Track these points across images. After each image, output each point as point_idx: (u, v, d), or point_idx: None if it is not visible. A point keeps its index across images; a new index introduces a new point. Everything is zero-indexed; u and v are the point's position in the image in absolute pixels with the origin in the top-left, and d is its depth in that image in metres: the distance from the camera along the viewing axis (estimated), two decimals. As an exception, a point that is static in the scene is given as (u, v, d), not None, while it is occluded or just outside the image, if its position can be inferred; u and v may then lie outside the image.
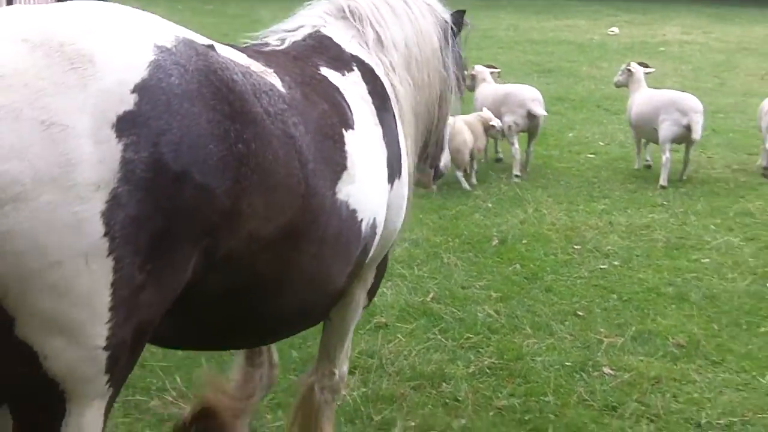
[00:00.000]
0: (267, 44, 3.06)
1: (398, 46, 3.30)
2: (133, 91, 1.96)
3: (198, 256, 2.15)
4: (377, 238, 2.95)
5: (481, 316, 5.49)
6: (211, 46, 2.33)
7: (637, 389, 4.63)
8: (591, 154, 10.21)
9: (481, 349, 5.09)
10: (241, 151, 2.18)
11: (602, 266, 6.54)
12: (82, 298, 1.90)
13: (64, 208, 1.84)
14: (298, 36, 3.11)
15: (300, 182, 2.42)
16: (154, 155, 1.95)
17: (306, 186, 2.45)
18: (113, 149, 1.89)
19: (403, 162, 3.16)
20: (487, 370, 4.82)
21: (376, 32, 3.25)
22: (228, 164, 2.14)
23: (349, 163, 2.68)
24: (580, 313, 5.65)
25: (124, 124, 1.92)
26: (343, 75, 2.99)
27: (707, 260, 6.70)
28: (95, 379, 2.02)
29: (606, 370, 4.88)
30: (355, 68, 3.07)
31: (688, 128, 8.53)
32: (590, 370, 4.88)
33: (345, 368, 3.58)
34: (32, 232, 1.81)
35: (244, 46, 3.00)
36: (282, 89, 2.51)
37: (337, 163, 2.63)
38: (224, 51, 2.40)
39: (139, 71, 1.99)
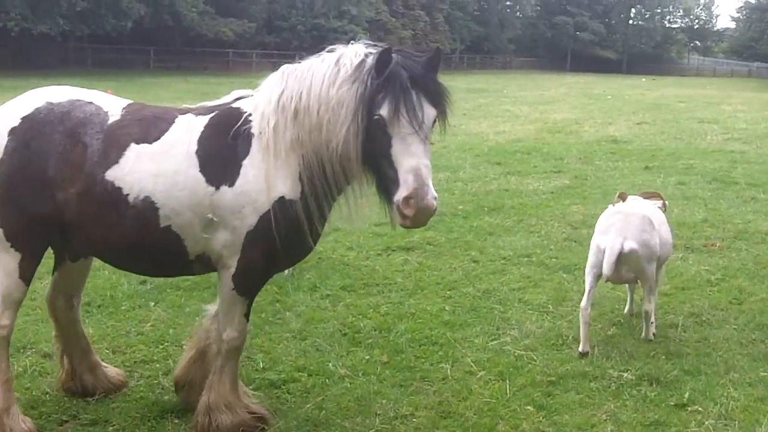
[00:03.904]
0: (194, 106, 5.02)
1: (280, 103, 4.65)
2: (20, 118, 4.70)
3: (49, 198, 4.61)
4: (161, 211, 4.59)
5: None
6: (91, 102, 4.80)
7: None
8: None
9: None
10: (63, 149, 4.63)
11: None
12: None
13: None
14: (213, 103, 4.97)
15: (85, 166, 4.60)
16: (22, 144, 4.62)
17: (88, 169, 4.60)
18: (4, 140, 4.64)
19: (241, 175, 4.60)
20: None
21: (267, 95, 4.74)
22: (55, 153, 4.60)
23: (122, 160, 4.61)
24: None
25: (11, 132, 4.67)
26: (196, 116, 4.79)
27: None
28: (4, 240, 4.67)
29: None
30: (213, 114, 4.79)
31: None
32: None
33: (228, 332, 4.92)
34: None
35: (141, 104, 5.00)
36: (107, 123, 4.70)
37: (112, 160, 4.62)
38: (99, 101, 4.84)
39: (26, 110, 4.73)
